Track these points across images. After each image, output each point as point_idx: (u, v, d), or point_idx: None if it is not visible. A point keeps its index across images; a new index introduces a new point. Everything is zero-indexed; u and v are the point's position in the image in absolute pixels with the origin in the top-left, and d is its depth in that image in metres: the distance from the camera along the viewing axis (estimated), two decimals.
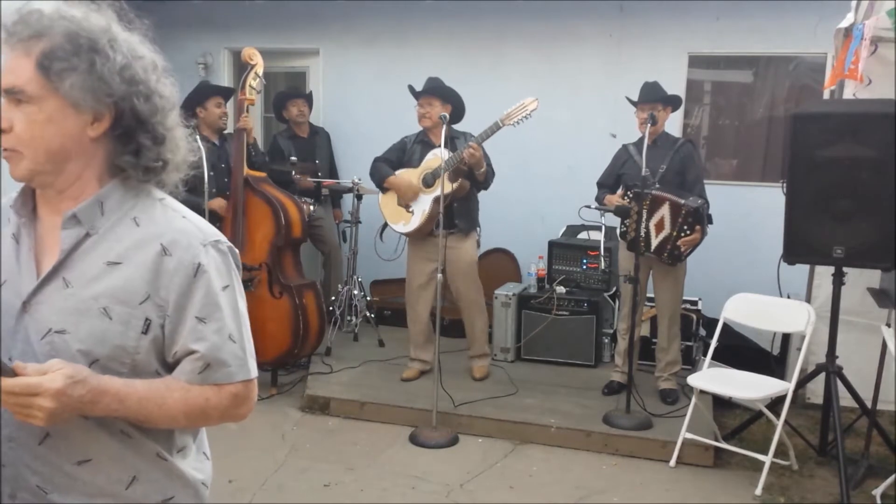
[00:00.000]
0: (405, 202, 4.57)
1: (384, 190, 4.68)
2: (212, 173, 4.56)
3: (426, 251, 4.63)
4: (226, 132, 5.01)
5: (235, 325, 1.31)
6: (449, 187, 4.33)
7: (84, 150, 1.25)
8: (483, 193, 4.69)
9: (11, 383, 1.13)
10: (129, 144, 1.27)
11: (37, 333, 1.23)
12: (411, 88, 4.62)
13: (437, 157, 4.40)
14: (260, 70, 4.64)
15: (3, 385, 1.12)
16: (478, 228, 4.80)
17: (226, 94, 4.92)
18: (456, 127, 4.60)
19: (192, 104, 4.70)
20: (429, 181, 4.49)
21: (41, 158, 1.23)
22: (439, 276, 4.25)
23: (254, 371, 1.34)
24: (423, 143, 4.64)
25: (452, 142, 4.47)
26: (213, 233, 1.33)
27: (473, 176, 4.43)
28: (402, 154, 4.65)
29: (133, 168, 1.28)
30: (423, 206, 4.51)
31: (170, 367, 1.30)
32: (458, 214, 4.57)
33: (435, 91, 4.55)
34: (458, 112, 4.60)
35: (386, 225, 4.78)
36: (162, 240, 1.26)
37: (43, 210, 1.30)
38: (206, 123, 4.76)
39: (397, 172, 4.59)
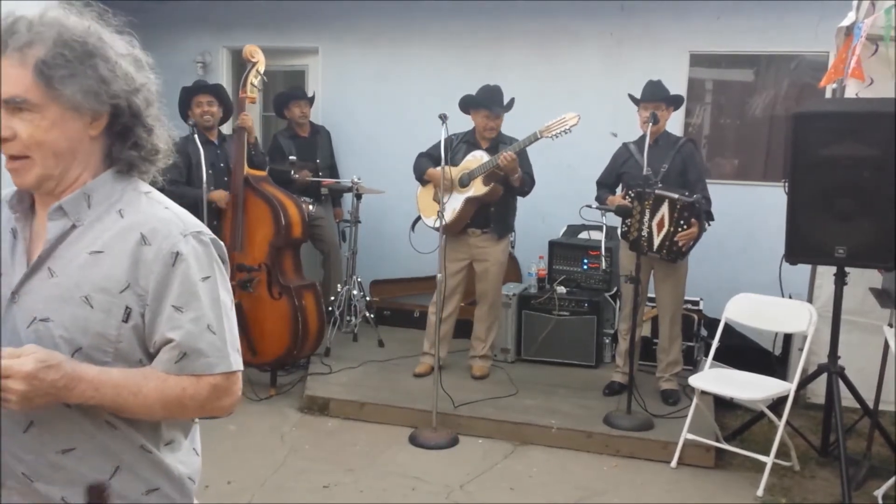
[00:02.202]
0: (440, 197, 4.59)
1: (424, 183, 4.76)
2: (210, 172, 4.54)
3: (457, 250, 4.70)
4: (225, 133, 4.99)
5: (215, 316, 1.31)
6: (482, 189, 4.47)
7: (84, 149, 1.30)
8: None
9: None
10: (128, 139, 1.32)
11: (23, 322, 1.26)
12: (470, 97, 4.61)
13: (477, 158, 4.53)
14: (261, 68, 4.63)
15: None
16: (512, 234, 4.89)
17: (211, 91, 4.83)
18: (504, 132, 4.67)
19: (184, 109, 4.69)
20: (464, 181, 4.57)
21: (51, 162, 1.26)
22: (439, 275, 4.26)
23: (236, 364, 1.34)
24: (469, 143, 4.69)
25: (498, 147, 4.54)
26: (195, 224, 1.34)
27: (509, 182, 4.49)
28: (447, 151, 4.60)
29: (138, 161, 1.33)
30: (454, 204, 4.57)
31: (153, 358, 1.31)
32: (493, 217, 4.67)
33: (506, 108, 4.60)
34: None
35: (419, 218, 4.84)
36: (142, 229, 1.29)
37: (39, 206, 1.34)
38: (198, 124, 4.72)
39: (437, 168, 4.60)
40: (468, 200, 4.55)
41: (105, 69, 1.25)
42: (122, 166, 1.33)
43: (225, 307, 1.34)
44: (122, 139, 1.31)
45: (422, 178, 4.75)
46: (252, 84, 4.59)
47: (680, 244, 4.14)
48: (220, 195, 4.58)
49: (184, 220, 1.33)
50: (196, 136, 4.49)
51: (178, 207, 1.36)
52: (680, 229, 4.11)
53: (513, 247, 5.13)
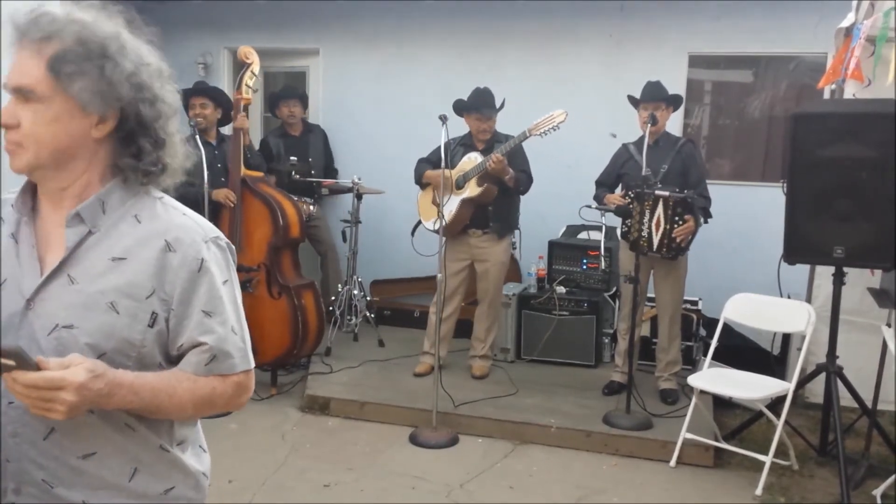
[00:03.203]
0: (438, 198, 4.61)
1: (423, 186, 4.79)
2: (208, 173, 4.54)
3: (458, 250, 4.73)
4: (225, 134, 5.00)
5: (236, 318, 1.37)
6: (476, 190, 4.50)
7: (87, 150, 1.29)
8: None
9: (35, 377, 1.14)
10: (130, 146, 1.31)
11: (42, 329, 1.24)
12: (461, 101, 4.64)
13: (472, 160, 4.57)
14: (256, 69, 4.63)
15: (28, 379, 1.13)
16: (515, 233, 4.91)
17: (206, 93, 4.83)
18: (500, 130, 4.69)
19: (185, 110, 4.71)
20: (460, 183, 4.60)
21: (44, 155, 1.26)
22: (439, 275, 4.27)
23: (252, 361, 1.40)
24: (466, 145, 4.72)
25: (494, 147, 4.57)
26: (213, 229, 1.37)
27: (502, 182, 4.51)
28: (446, 154, 4.56)
29: (133, 170, 1.32)
30: (451, 206, 4.59)
31: (171, 361, 1.33)
32: (493, 217, 4.68)
33: (497, 109, 4.63)
34: None
35: (419, 223, 4.86)
36: (166, 236, 1.30)
37: (44, 209, 1.33)
38: (196, 125, 4.72)
39: (436, 171, 4.62)
40: (464, 202, 4.58)
41: (112, 71, 1.24)
42: (125, 175, 1.32)
43: (240, 308, 1.39)
44: (123, 145, 1.31)
45: (420, 182, 4.77)
46: (247, 85, 4.59)
47: (678, 240, 4.15)
48: (223, 193, 4.57)
49: (203, 227, 1.35)
50: (197, 136, 4.51)
51: (192, 212, 1.38)
52: (676, 225, 4.12)
53: (515, 248, 5.12)
